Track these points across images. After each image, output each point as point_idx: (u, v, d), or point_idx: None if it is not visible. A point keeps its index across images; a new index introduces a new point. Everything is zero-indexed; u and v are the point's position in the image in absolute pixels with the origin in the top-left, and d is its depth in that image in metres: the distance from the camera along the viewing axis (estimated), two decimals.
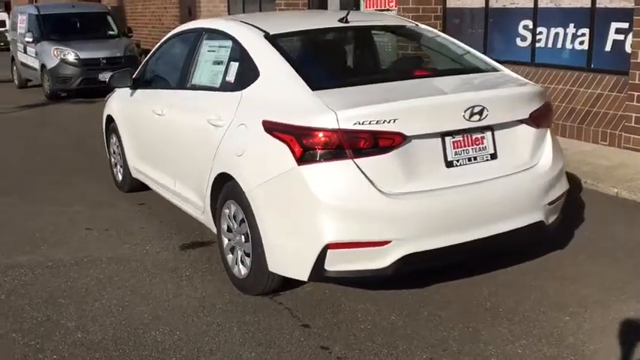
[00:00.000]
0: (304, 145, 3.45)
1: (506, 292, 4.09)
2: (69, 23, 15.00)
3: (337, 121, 3.42)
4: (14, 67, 16.16)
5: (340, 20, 4.51)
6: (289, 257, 3.64)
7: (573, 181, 6.33)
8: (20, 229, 5.58)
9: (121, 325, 3.85)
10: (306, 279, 3.62)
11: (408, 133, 3.50)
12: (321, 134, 3.43)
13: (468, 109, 3.62)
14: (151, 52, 5.82)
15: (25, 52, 14.88)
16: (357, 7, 12.46)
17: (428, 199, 3.56)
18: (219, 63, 4.51)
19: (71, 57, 13.59)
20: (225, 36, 4.52)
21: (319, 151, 3.44)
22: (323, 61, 4.55)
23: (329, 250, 3.46)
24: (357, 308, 3.94)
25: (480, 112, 3.66)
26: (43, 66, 13.84)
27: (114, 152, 6.53)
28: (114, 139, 6.43)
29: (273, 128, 3.64)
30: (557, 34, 8.66)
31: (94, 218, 5.80)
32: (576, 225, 5.19)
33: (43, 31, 14.32)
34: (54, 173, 7.48)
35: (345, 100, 3.58)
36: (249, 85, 4.06)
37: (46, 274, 4.62)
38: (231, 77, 4.28)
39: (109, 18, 15.48)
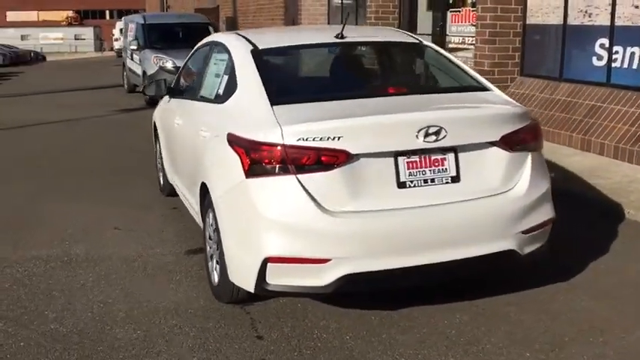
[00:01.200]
0: (252, 158, 3.51)
1: (478, 321, 3.93)
2: (172, 33, 15.81)
3: (282, 136, 3.45)
4: (124, 73, 17.25)
5: (336, 36, 4.53)
6: (241, 268, 3.71)
7: (615, 210, 5.98)
8: (58, 225, 5.98)
9: (94, 320, 4.06)
10: (252, 290, 3.67)
11: (353, 151, 3.46)
12: (266, 148, 3.48)
13: (421, 129, 3.52)
14: (184, 63, 6.08)
15: (132, 58, 15.85)
16: (444, 23, 12.30)
17: (374, 220, 3.50)
18: (217, 75, 4.67)
19: (169, 65, 14.31)
20: (224, 50, 4.67)
21: (264, 165, 3.49)
22: (298, 76, 4.59)
23: (269, 264, 3.50)
24: (319, 325, 3.92)
25: (437, 133, 3.55)
26: (144, 72, 14.68)
27: (158, 157, 6.86)
28: (158, 145, 6.76)
29: (232, 140, 3.73)
30: (632, 54, 8.16)
31: (127, 219, 6.10)
32: (594, 258, 4.89)
33: (146, 39, 15.19)
34: (116, 174, 7.95)
35: (297, 116, 3.60)
36: (229, 97, 4.18)
37: (56, 268, 4.94)
38: (221, 89, 4.42)
39: (211, 28, 16.14)
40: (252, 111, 3.80)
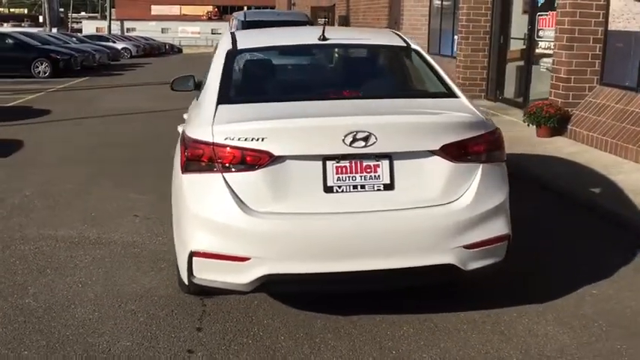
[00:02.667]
0: (187, 155, 3.63)
1: (421, 336, 3.84)
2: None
3: (212, 135, 3.54)
4: None
5: (318, 38, 4.55)
6: (179, 260, 3.83)
7: None
8: (87, 208, 6.40)
9: (65, 299, 4.34)
10: (187, 283, 3.78)
11: (277, 153, 3.48)
12: (198, 146, 3.58)
13: (348, 134, 3.47)
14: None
15: None
16: (533, 26, 11.81)
17: (295, 222, 3.50)
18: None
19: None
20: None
21: (196, 163, 3.59)
22: (262, 76, 4.63)
23: (194, 258, 3.60)
24: (262, 323, 3.98)
25: (366, 139, 3.48)
26: None
27: None
28: None
29: (181, 137, 3.87)
30: None
31: (149, 207, 6.39)
32: (591, 283, 4.59)
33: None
34: (158, 164, 8.28)
35: (232, 116, 3.68)
36: (199, 95, 4.32)
37: (62, 248, 5.30)
38: (202, 88, 4.57)
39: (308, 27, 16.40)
40: (202, 109, 3.92)
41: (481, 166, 3.75)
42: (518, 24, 12.72)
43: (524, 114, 9.93)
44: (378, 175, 3.58)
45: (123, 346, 3.71)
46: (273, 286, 3.63)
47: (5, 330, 3.90)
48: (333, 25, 27.70)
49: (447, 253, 3.61)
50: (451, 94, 4.15)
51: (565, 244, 5.48)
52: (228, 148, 3.50)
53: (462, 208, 3.64)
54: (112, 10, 76.36)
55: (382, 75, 4.79)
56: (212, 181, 3.54)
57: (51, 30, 49.59)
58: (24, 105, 14.89)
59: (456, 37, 14.56)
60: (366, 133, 3.48)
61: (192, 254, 3.60)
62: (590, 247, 5.40)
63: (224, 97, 3.93)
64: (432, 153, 3.63)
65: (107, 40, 39.57)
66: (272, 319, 4.03)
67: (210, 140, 3.53)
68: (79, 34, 48.12)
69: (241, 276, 3.53)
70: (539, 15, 11.56)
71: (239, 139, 3.48)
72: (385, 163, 3.58)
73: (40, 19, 65.86)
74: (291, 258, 3.50)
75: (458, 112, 3.84)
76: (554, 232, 5.80)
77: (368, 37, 5.21)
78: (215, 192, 3.53)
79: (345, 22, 25.10)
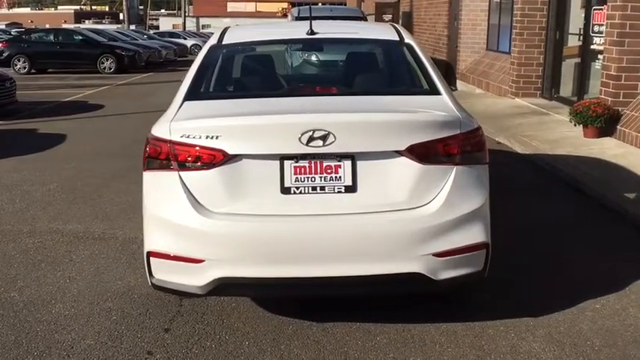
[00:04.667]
0: (147, 152, 3.54)
1: (393, 347, 3.64)
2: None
3: (170, 132, 3.44)
4: None
5: (307, 32, 4.39)
6: (144, 260, 3.76)
7: None
8: (102, 203, 6.45)
9: (49, 294, 4.35)
10: (150, 283, 3.70)
11: (231, 152, 3.34)
12: (156, 143, 3.49)
13: (304, 132, 3.29)
14: None
15: None
16: (588, 21, 11.24)
17: (250, 224, 3.36)
18: None
19: (313, 57, 14.62)
20: None
21: (155, 160, 3.50)
22: (238, 71, 4.49)
23: (151, 258, 3.52)
24: (232, 326, 3.88)
25: (324, 138, 3.30)
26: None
27: None
28: None
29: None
30: None
31: None
32: (597, 297, 4.27)
33: None
34: None
35: (192, 113, 3.58)
36: None
37: (64, 243, 5.34)
38: None
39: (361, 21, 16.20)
40: (171, 106, 3.83)
41: (455, 168, 3.49)
42: (576, 19, 12.15)
43: (569, 113, 9.45)
44: (340, 177, 3.39)
45: (85, 345, 3.67)
46: (229, 289, 3.51)
47: None
48: (397, 21, 27.33)
49: (413, 261, 3.40)
50: (434, 92, 3.91)
51: (584, 252, 5.13)
52: (183, 146, 3.40)
53: (430, 213, 3.41)
54: (190, 7, 78.01)
55: (366, 71, 4.57)
56: (168, 179, 3.45)
57: (129, 27, 51.11)
58: (80, 100, 15.31)
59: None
60: (324, 132, 3.30)
61: (149, 254, 3.53)
62: (610, 257, 5.03)
63: (192, 94, 3.84)
64: (399, 154, 3.40)
65: (178, 36, 40.35)
66: (244, 323, 3.92)
67: (168, 137, 3.44)
68: (150, 31, 49.26)
69: (196, 278, 3.42)
70: (594, 9, 10.99)
71: (194, 137, 3.37)
72: (347, 163, 3.39)
73: (121, 16, 67.92)
74: (245, 261, 3.36)
75: (429, 111, 3.59)
76: (577, 239, 5.44)
77: (360, 31, 5.01)
78: (171, 191, 3.44)
79: (408, 18, 24.73)
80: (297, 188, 3.38)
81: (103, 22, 75.15)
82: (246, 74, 4.62)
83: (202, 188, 3.39)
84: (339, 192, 3.40)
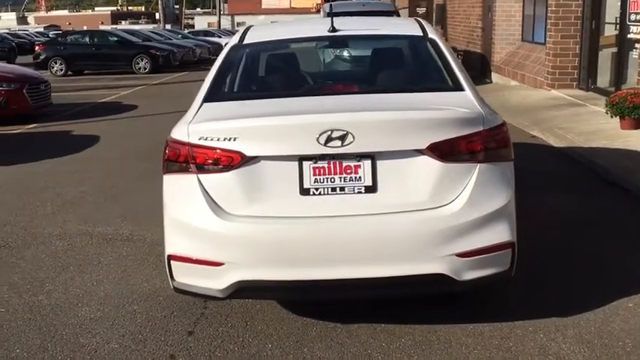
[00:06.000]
0: (167, 155, 3.53)
1: (417, 349, 3.58)
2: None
3: (188, 134, 3.42)
4: None
5: (328, 30, 4.34)
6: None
7: None
8: (133, 204, 6.50)
9: (76, 297, 4.38)
10: (171, 287, 3.70)
11: (249, 153, 3.31)
12: (175, 146, 3.48)
13: (322, 132, 3.23)
14: None
15: None
16: (624, 9, 10.96)
17: (270, 227, 3.32)
18: None
19: (345, 53, 14.54)
20: None
21: (175, 163, 3.48)
22: (259, 71, 4.45)
23: (172, 262, 3.51)
24: (257, 329, 3.85)
25: (342, 138, 3.24)
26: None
27: None
28: None
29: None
30: None
31: None
32: (632, 292, 4.14)
33: None
34: None
35: (210, 115, 3.56)
36: None
37: (93, 245, 5.39)
38: None
39: (395, 15, 16.06)
40: (190, 108, 3.81)
41: (478, 166, 3.40)
42: (612, 7, 11.86)
43: (605, 105, 9.21)
44: (359, 177, 3.33)
45: (109, 349, 3.69)
46: (249, 292, 3.49)
47: (8, 327, 3.98)
48: (431, 14, 27.06)
49: (436, 261, 3.32)
50: (457, 88, 3.82)
51: (617, 248, 4.98)
52: (201, 149, 3.38)
53: (453, 212, 3.33)
54: (225, 5, 78.41)
55: (388, 68, 4.48)
56: (187, 182, 3.43)
57: (164, 26, 51.63)
58: (115, 100, 15.49)
59: None
60: (343, 132, 3.24)
61: (169, 258, 3.52)
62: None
63: (211, 95, 3.83)
64: (420, 152, 3.33)
65: (212, 35, 40.60)
66: (267, 325, 3.89)
67: (186, 140, 3.43)
68: (184, 30, 49.67)
69: (217, 281, 3.40)
70: None
71: (212, 139, 3.35)
72: (367, 163, 3.32)
73: (157, 15, 68.66)
74: (265, 264, 3.33)
75: (450, 108, 3.50)
76: (610, 234, 5.30)
77: (384, 27, 4.92)
78: (190, 194, 3.42)
79: (441, 11, 24.47)
80: (317, 189, 3.33)
81: (140, 22, 76.05)
82: (266, 74, 4.59)
83: (221, 191, 3.37)
84: (359, 192, 3.34)
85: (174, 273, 3.55)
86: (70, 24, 72.76)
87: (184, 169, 3.44)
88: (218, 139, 3.34)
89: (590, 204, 6.13)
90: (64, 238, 5.56)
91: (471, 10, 20.22)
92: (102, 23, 75.94)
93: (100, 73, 22.92)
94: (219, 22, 66.46)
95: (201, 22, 77.43)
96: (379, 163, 3.33)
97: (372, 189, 3.34)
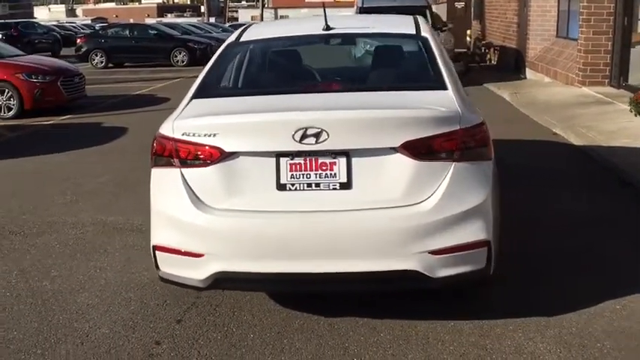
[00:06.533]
0: (154, 149, 3.68)
1: (394, 344, 3.65)
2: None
3: (173, 130, 3.56)
4: None
5: (322, 28, 4.43)
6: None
7: None
8: (147, 196, 6.64)
9: (78, 283, 4.57)
10: (158, 276, 3.85)
11: (228, 149, 3.43)
12: (162, 141, 3.62)
13: (298, 130, 3.33)
14: None
15: None
16: None
17: (247, 220, 3.43)
18: None
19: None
20: None
21: (161, 157, 3.62)
22: (248, 69, 4.55)
23: (157, 252, 3.66)
24: (243, 319, 3.97)
25: (317, 135, 3.32)
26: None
27: None
28: None
29: None
30: None
31: None
32: (622, 294, 4.14)
33: None
34: None
35: (195, 111, 3.69)
36: None
37: (103, 234, 5.59)
38: None
39: (427, 12, 15.99)
40: (180, 104, 3.95)
41: (453, 164, 3.44)
42: None
43: (629, 103, 9.07)
44: (335, 174, 3.41)
45: (100, 334, 3.85)
46: (228, 283, 3.62)
47: (10, 310, 4.19)
48: (469, 8, 26.80)
49: (409, 258, 3.39)
50: (440, 87, 3.84)
51: (617, 249, 4.96)
52: (184, 144, 3.52)
53: (427, 210, 3.38)
54: None
55: (375, 66, 4.54)
56: (172, 175, 3.57)
57: (208, 19, 52.15)
58: (149, 93, 15.82)
59: None
60: (317, 130, 3.33)
61: (154, 248, 3.67)
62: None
63: (201, 92, 3.97)
64: (394, 150, 3.39)
65: None
66: (253, 315, 4.01)
67: (171, 135, 3.57)
68: (227, 23, 50.10)
69: (197, 272, 3.53)
70: None
71: (194, 135, 3.48)
72: (342, 160, 3.41)
73: (202, 8, 69.38)
74: (242, 256, 3.45)
75: (425, 107, 3.55)
76: (613, 235, 5.27)
77: (379, 25, 4.97)
78: (173, 187, 3.56)
79: (479, 5, 24.25)
80: (293, 185, 3.43)
81: (185, 15, 76.92)
82: (257, 71, 4.70)
83: (202, 185, 3.50)
84: (334, 189, 3.42)
85: (159, 263, 3.70)
86: (117, 16, 74.02)
87: (169, 163, 3.58)
88: (199, 135, 3.47)
89: (600, 204, 6.09)
90: (77, 227, 5.77)
91: (507, 4, 19.99)
92: (148, 16, 77.00)
93: (139, 65, 23.38)
94: (261, 15, 66.82)
95: (245, 16, 77.86)
96: (354, 161, 3.41)
97: (346, 185, 3.42)
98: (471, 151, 3.50)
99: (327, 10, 4.61)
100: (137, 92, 15.86)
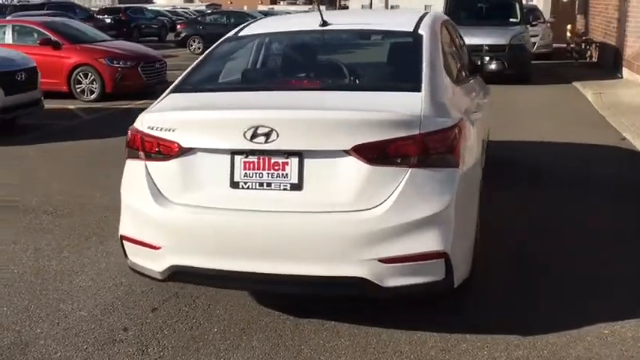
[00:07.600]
0: (127, 141, 3.79)
1: (348, 351, 3.60)
2: (477, 8, 15.70)
3: (142, 123, 3.67)
4: None
5: (319, 24, 4.39)
6: None
7: None
8: None
9: (81, 265, 4.80)
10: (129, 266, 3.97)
11: (185, 144, 3.48)
12: (132, 134, 3.74)
13: (249, 128, 3.33)
14: None
15: None
16: None
17: (200, 216, 3.47)
18: None
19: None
20: None
21: (132, 150, 3.74)
22: (233, 64, 4.54)
23: (123, 242, 3.78)
24: (215, 313, 4.03)
25: (267, 135, 3.31)
26: None
27: None
28: None
29: None
30: None
31: None
32: (615, 319, 3.89)
33: (449, 13, 15.25)
34: None
35: (165, 105, 3.79)
36: None
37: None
38: None
39: (517, 5, 15.49)
40: (160, 97, 4.04)
41: (409, 170, 3.31)
42: None
43: None
44: (286, 174, 3.39)
45: (77, 316, 4.03)
46: (182, 277, 3.68)
47: (11, 287, 4.46)
48: (574, 4, 25.57)
49: (357, 265, 3.32)
50: (414, 88, 3.66)
51: (624, 263, 4.66)
52: (149, 137, 3.61)
53: (378, 216, 3.28)
54: None
55: (359, 64, 4.45)
56: (138, 168, 3.68)
57: (319, 7, 52.59)
58: None
59: None
60: (268, 129, 3.32)
61: (121, 238, 3.80)
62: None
63: (181, 86, 4.06)
64: (346, 153, 3.32)
65: None
66: (226, 310, 4.06)
67: (140, 128, 3.68)
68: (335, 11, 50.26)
69: (156, 264, 3.62)
70: None
71: (157, 129, 3.57)
72: (294, 161, 3.37)
73: None
74: (195, 251, 3.50)
75: (382, 110, 3.43)
76: (622, 247, 4.95)
77: (379, 21, 4.83)
78: (138, 179, 3.67)
79: (585, 0, 23.15)
80: (246, 183, 3.44)
81: (297, 2, 77.85)
82: (239, 67, 4.71)
83: (163, 178, 3.58)
84: (284, 189, 3.40)
85: (127, 252, 3.82)
86: (231, 3, 75.96)
87: (137, 156, 3.69)
88: (161, 129, 3.56)
89: (632, 215, 5.71)
90: (107, 211, 6.01)
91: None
92: (261, 3, 78.55)
93: None
94: (370, 3, 66.59)
95: (355, 3, 77.84)
96: (307, 162, 3.37)
97: (297, 187, 3.39)
98: (433, 157, 3.36)
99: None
100: None
